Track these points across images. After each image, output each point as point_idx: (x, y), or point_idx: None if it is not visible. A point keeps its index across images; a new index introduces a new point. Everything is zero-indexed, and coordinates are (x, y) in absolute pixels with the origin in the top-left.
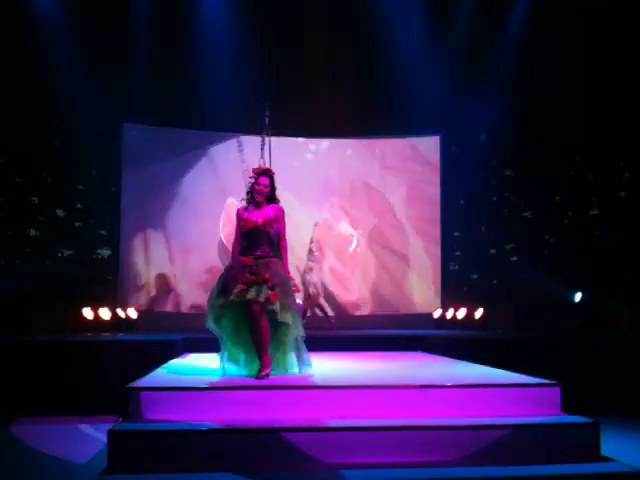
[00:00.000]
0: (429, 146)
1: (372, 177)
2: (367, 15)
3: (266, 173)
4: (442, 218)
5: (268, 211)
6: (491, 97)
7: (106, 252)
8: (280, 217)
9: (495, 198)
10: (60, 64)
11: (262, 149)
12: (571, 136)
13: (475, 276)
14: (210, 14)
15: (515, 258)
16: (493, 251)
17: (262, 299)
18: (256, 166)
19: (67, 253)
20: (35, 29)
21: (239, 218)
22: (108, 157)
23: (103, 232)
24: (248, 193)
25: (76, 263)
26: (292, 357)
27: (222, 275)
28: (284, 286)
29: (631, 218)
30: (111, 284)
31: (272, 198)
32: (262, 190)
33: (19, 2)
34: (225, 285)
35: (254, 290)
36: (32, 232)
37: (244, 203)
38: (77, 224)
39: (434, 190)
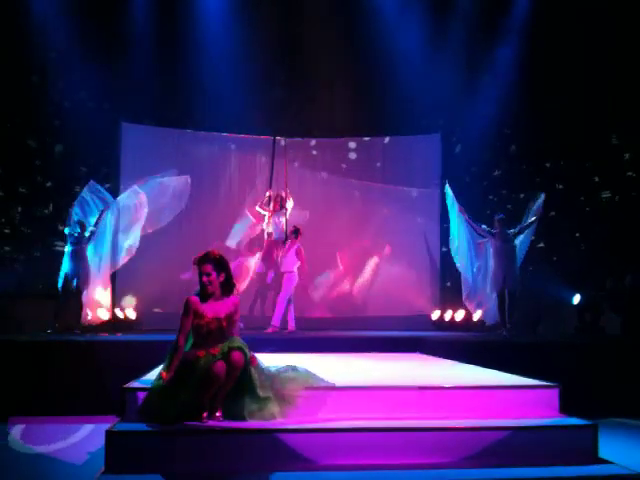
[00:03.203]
0: (429, 145)
1: (369, 176)
2: (367, 15)
3: (206, 259)
4: (442, 218)
5: (227, 304)
6: (490, 96)
7: None
8: (238, 310)
9: (491, 196)
10: (59, 65)
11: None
12: (570, 131)
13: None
14: (210, 15)
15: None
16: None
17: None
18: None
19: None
20: (35, 29)
21: (196, 313)
22: (107, 158)
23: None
24: (199, 286)
25: None
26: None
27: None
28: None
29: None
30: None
31: (229, 284)
32: (211, 281)
33: (19, 2)
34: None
35: (220, 350)
36: (28, 231)
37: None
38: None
39: (433, 190)
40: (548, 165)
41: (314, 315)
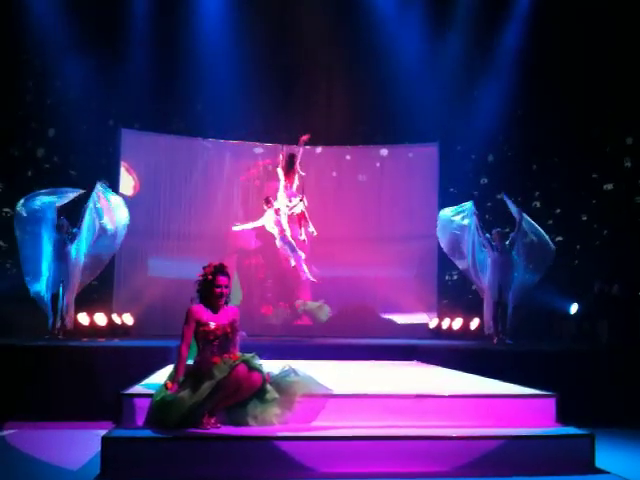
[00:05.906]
0: (427, 154)
1: (367, 184)
2: (366, 25)
3: (223, 270)
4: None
5: (230, 313)
6: (488, 106)
7: None
8: (238, 318)
9: (490, 204)
10: (58, 70)
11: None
12: (565, 131)
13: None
14: (209, 22)
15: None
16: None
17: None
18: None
19: None
20: (33, 34)
21: (199, 322)
22: (105, 163)
23: None
24: (201, 293)
25: None
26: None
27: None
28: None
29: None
30: (107, 290)
31: (229, 297)
32: (224, 292)
33: (17, 5)
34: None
35: (239, 357)
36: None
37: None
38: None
39: (431, 198)
40: (544, 166)
41: (311, 322)
